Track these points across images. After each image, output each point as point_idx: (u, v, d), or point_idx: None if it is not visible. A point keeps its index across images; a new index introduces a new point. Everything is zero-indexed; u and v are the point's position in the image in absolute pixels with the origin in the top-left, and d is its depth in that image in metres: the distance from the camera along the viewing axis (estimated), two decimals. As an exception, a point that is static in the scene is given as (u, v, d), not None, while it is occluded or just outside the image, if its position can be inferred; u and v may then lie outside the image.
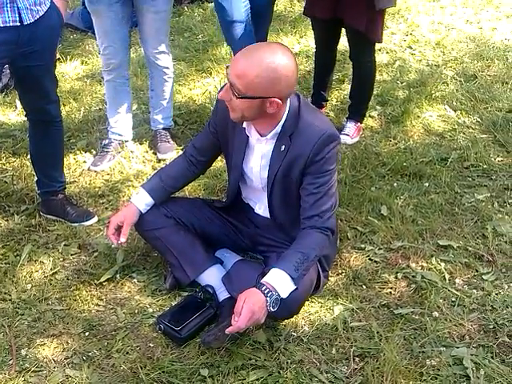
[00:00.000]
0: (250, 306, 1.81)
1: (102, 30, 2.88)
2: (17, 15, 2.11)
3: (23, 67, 2.27)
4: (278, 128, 1.99)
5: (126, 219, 2.20)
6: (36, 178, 2.70)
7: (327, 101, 3.52)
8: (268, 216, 2.22)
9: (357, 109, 3.29)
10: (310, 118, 1.99)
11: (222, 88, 1.95)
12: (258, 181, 2.14)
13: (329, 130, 1.98)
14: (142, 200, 2.23)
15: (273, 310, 1.86)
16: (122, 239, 2.18)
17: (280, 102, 1.86)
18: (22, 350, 2.01)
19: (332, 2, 2.87)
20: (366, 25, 2.86)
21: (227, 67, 1.88)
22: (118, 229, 2.21)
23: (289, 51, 1.87)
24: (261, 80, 1.80)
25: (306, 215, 2.01)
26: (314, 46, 3.32)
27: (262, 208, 2.26)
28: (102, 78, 3.15)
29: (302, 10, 3.20)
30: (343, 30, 3.09)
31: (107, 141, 3.12)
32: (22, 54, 2.21)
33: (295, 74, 1.87)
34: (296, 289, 1.91)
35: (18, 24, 2.12)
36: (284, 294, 1.88)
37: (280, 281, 1.88)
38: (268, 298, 1.84)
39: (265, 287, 1.86)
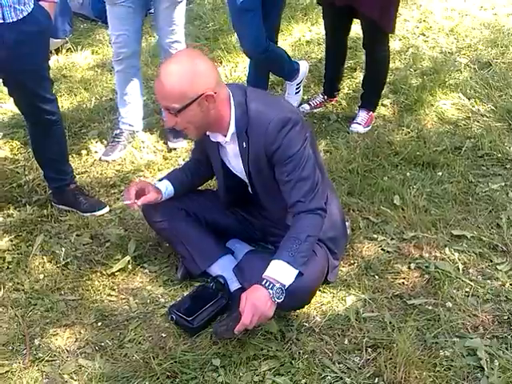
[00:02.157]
0: (252, 302, 1.82)
1: (116, 17, 2.87)
2: (0, 13, 2.08)
3: (15, 71, 2.23)
4: (232, 127, 1.97)
5: (149, 189, 2.16)
6: (43, 173, 2.69)
7: (339, 90, 3.49)
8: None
9: (369, 98, 3.25)
10: (257, 109, 1.95)
11: None
12: (244, 178, 2.14)
13: (277, 116, 1.92)
14: (164, 186, 2.23)
15: (279, 300, 1.86)
16: (139, 202, 2.14)
17: (212, 93, 1.85)
18: (36, 340, 2.03)
19: None
20: (380, 13, 2.82)
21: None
22: (137, 194, 2.16)
23: (191, 50, 1.94)
24: (182, 85, 1.82)
25: (289, 203, 1.99)
26: (324, 35, 3.28)
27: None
28: (113, 67, 3.14)
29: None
30: (354, 19, 3.06)
31: (118, 131, 3.12)
32: (12, 57, 2.17)
33: (208, 62, 1.89)
34: (301, 274, 1.91)
35: (1, 21, 2.10)
36: (287, 281, 1.88)
37: (278, 269, 1.89)
38: (270, 290, 1.84)
39: (265, 281, 1.86)
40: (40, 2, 2.27)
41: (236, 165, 2.11)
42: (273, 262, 1.91)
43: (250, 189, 2.23)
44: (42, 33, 2.27)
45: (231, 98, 1.95)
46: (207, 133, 2.04)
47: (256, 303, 1.83)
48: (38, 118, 2.45)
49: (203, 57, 1.90)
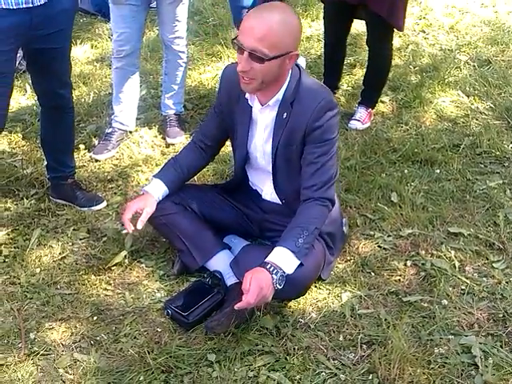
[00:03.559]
0: (258, 282, 1.83)
1: (119, 15, 2.84)
2: None
3: (37, 49, 2.26)
4: (280, 94, 1.99)
5: (146, 207, 2.16)
6: (46, 163, 2.70)
7: (338, 88, 3.48)
8: (274, 201, 2.22)
9: (370, 95, 3.25)
10: (310, 85, 2.01)
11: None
12: (262, 157, 2.14)
13: (328, 97, 1.99)
14: (158, 190, 2.21)
15: (279, 287, 1.87)
16: (139, 226, 2.15)
17: (297, 53, 1.90)
18: (31, 334, 2.03)
19: None
20: (388, 10, 2.81)
21: (234, 40, 1.86)
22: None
23: (288, 5, 1.94)
24: (283, 36, 1.82)
25: (305, 185, 2.01)
26: (323, 36, 3.26)
27: (268, 193, 2.25)
28: (111, 63, 3.13)
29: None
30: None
31: (110, 129, 3.09)
32: (36, 36, 2.20)
33: (301, 24, 1.92)
34: (301, 264, 1.92)
35: (31, 5, 2.11)
36: (289, 270, 1.89)
37: (282, 257, 1.90)
38: (274, 275, 1.85)
39: (269, 265, 1.87)
40: None
41: (260, 139, 2.09)
42: (278, 248, 1.92)
43: (250, 177, 2.24)
44: (67, 12, 2.28)
45: (290, 69, 1.98)
46: (246, 95, 2.03)
47: (262, 284, 1.83)
48: (51, 103, 2.48)
49: (298, 16, 1.92)
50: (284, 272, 1.88)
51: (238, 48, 1.86)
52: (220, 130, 2.23)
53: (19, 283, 2.24)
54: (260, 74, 1.88)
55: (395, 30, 2.99)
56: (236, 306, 1.85)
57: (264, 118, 2.06)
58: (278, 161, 2.09)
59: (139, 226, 2.15)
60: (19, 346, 1.99)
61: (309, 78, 2.07)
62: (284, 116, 2.00)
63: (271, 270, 1.86)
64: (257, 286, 1.82)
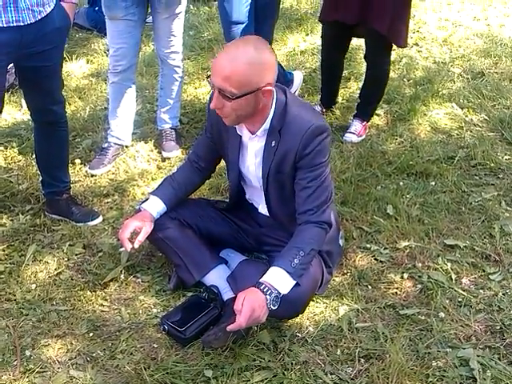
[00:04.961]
0: (250, 304, 1.81)
1: (115, 30, 2.85)
2: (19, 15, 2.10)
3: (28, 67, 2.26)
4: (267, 124, 1.98)
5: (144, 226, 2.15)
6: (41, 178, 2.70)
7: (336, 103, 3.48)
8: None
9: (366, 108, 3.26)
10: (297, 111, 1.98)
11: (210, 98, 1.95)
12: (255, 179, 2.14)
13: (317, 122, 1.97)
14: (155, 208, 2.20)
15: (273, 307, 1.85)
16: (136, 245, 2.14)
17: (272, 88, 1.88)
18: (27, 351, 2.01)
19: (359, 6, 2.81)
20: (388, 27, 2.83)
21: (208, 77, 1.89)
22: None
23: (261, 39, 1.91)
24: (250, 73, 1.81)
25: (300, 210, 2.00)
26: (321, 54, 3.26)
27: (264, 207, 2.24)
28: (107, 78, 3.14)
29: (318, 15, 3.12)
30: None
31: (106, 144, 3.09)
32: (27, 54, 2.20)
33: (274, 56, 1.89)
34: (298, 284, 1.91)
35: (21, 24, 2.12)
36: (284, 290, 1.88)
37: (277, 278, 1.88)
38: (268, 296, 1.84)
39: (263, 285, 1.86)
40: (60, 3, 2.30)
41: (252, 164, 2.10)
42: (273, 268, 1.91)
43: (247, 193, 2.22)
44: (59, 31, 2.29)
45: (274, 96, 1.97)
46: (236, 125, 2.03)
47: (254, 306, 1.81)
48: (44, 118, 2.48)
49: (271, 49, 1.90)
50: (279, 292, 1.87)
51: (210, 82, 1.88)
52: (213, 152, 2.23)
53: (15, 299, 2.23)
54: (232, 111, 1.88)
55: (400, 47, 3.00)
56: (228, 328, 1.84)
57: (254, 145, 2.06)
58: (269, 186, 2.09)
59: (136, 245, 2.14)
60: (14, 363, 1.97)
61: (297, 102, 2.04)
62: (273, 144, 2.00)
63: (265, 290, 1.85)
64: (249, 307, 1.80)
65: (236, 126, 2.04)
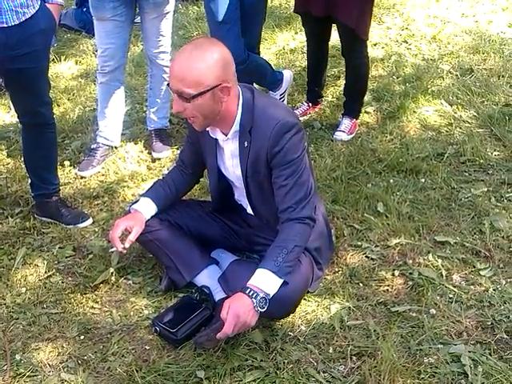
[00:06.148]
0: (234, 311, 1.81)
1: (103, 30, 2.84)
2: (3, 17, 2.08)
3: (14, 69, 2.25)
4: (237, 125, 1.98)
5: (135, 226, 2.14)
6: (30, 181, 2.68)
7: (322, 97, 3.51)
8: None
9: (352, 105, 3.27)
10: (264, 109, 1.97)
11: None
12: (236, 181, 2.14)
13: (284, 119, 1.94)
14: (147, 209, 2.20)
15: (262, 310, 1.85)
16: (127, 244, 2.13)
17: (229, 84, 1.86)
18: (17, 355, 2.00)
19: None
20: (356, 21, 2.85)
21: (168, 84, 1.89)
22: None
23: (213, 39, 1.92)
24: (204, 72, 1.81)
25: (280, 208, 1.99)
26: (306, 43, 3.30)
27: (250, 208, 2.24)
28: (96, 78, 3.12)
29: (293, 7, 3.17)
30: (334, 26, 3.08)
31: (95, 145, 3.08)
32: (12, 56, 2.19)
33: (229, 54, 1.88)
34: (286, 283, 1.90)
35: (5, 26, 2.10)
36: (271, 290, 1.87)
37: (263, 279, 1.88)
38: (254, 299, 1.83)
39: (248, 289, 1.86)
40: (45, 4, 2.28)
41: (230, 165, 2.10)
42: (258, 270, 1.90)
43: (235, 194, 2.23)
44: (43, 33, 2.27)
45: (240, 96, 1.96)
46: (207, 128, 2.02)
47: (239, 312, 1.81)
48: (32, 120, 2.46)
49: (224, 47, 1.88)
50: (267, 294, 1.86)
51: (170, 88, 1.88)
52: (197, 157, 2.22)
53: (4, 303, 2.21)
54: (195, 112, 1.88)
55: (363, 39, 3.02)
56: (217, 336, 1.84)
57: (229, 147, 2.06)
58: (250, 186, 2.09)
59: (127, 244, 2.13)
60: (4, 368, 1.95)
61: (264, 100, 2.02)
62: (245, 145, 1.99)
63: (251, 294, 1.84)
64: (233, 315, 1.80)
65: (209, 130, 2.03)
